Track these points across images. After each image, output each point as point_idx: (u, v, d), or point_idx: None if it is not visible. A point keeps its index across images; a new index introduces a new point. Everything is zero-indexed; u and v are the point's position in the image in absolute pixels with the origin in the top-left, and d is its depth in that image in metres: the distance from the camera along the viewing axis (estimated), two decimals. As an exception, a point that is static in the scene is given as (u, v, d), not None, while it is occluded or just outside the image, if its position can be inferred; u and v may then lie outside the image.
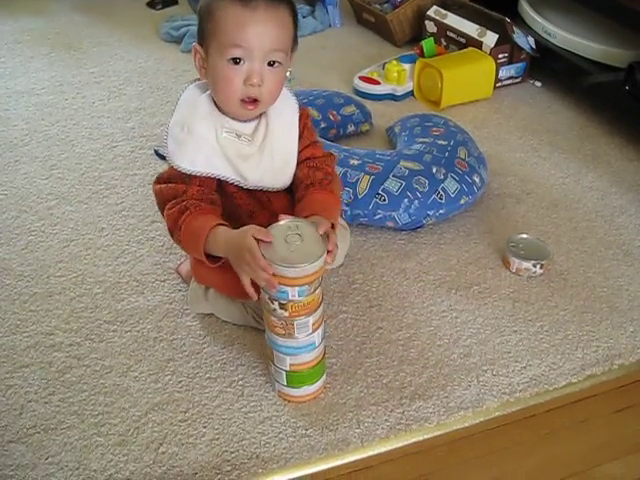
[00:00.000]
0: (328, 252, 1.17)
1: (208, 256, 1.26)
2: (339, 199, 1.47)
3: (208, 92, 1.31)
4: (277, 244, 1.15)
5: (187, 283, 1.53)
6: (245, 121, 1.31)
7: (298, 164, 1.36)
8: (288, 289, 1.15)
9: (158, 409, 1.30)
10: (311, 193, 1.33)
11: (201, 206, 1.27)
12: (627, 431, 1.34)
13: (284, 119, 1.35)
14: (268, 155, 1.32)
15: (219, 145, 1.29)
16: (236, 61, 1.21)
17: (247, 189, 1.33)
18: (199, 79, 1.33)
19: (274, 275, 1.13)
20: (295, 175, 1.36)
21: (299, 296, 1.17)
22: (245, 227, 1.18)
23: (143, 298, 1.53)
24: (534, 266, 1.59)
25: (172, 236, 1.30)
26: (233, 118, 1.30)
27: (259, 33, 1.20)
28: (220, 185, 1.33)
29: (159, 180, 1.33)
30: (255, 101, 1.26)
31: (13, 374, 1.36)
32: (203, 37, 1.25)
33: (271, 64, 1.24)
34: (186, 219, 1.25)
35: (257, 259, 1.13)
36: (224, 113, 1.30)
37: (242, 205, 1.33)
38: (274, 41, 1.22)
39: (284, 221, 1.19)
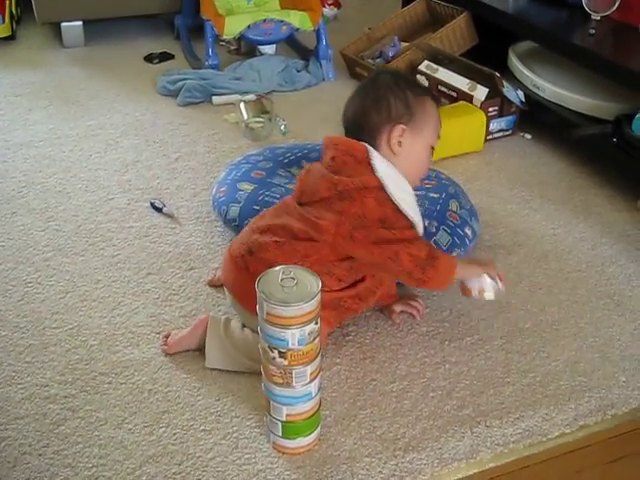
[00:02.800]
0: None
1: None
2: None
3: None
4: (273, 288, 1.19)
5: (182, 350, 1.52)
6: None
7: None
8: (288, 337, 1.18)
9: (152, 461, 1.30)
10: None
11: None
12: (621, 482, 1.35)
13: None
14: None
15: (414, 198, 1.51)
16: (432, 148, 1.53)
17: None
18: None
19: (273, 316, 1.17)
20: None
21: (299, 344, 1.19)
22: None
23: (138, 350, 1.53)
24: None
25: (423, 268, 1.45)
26: None
27: None
28: None
29: (386, 223, 1.45)
30: None
31: (7, 426, 1.36)
32: (410, 119, 1.48)
33: None
34: (441, 254, 1.49)
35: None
36: None
37: None
38: None
39: (278, 267, 1.23)
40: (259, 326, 1.22)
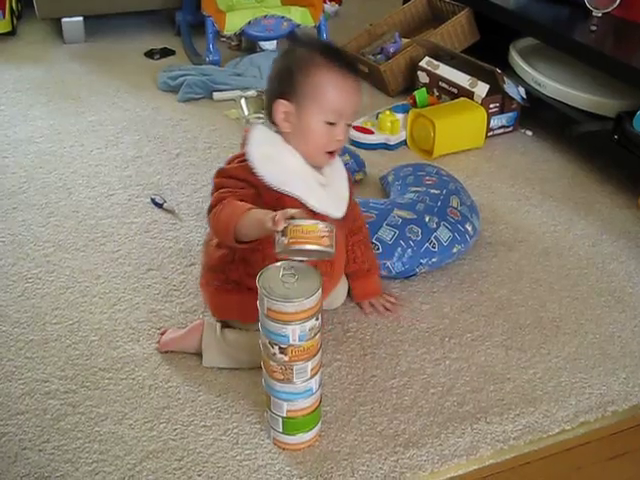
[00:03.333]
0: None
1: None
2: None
3: (276, 132, 1.44)
4: (274, 283, 1.19)
5: (176, 350, 1.51)
6: None
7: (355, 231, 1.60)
8: (289, 332, 1.18)
9: (153, 457, 1.30)
10: (367, 279, 1.64)
11: (246, 201, 1.34)
12: (622, 478, 1.35)
13: (338, 162, 1.52)
14: (333, 187, 1.47)
15: (304, 172, 1.42)
16: (331, 123, 1.39)
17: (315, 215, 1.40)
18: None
19: (273, 311, 1.17)
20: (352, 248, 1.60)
21: (299, 340, 1.19)
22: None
23: (139, 346, 1.53)
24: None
25: (209, 213, 1.39)
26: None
27: (352, 101, 1.42)
28: None
29: (224, 173, 1.41)
30: (333, 153, 1.45)
31: (8, 421, 1.36)
32: (294, 95, 1.39)
33: (348, 125, 1.44)
34: (229, 200, 1.35)
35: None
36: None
37: None
38: (357, 107, 1.44)
39: (278, 263, 1.23)
40: (260, 322, 1.22)
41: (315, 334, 1.21)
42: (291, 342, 1.19)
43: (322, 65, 1.39)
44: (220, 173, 1.42)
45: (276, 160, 1.40)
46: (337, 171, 1.50)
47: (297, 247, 1.16)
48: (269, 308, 1.18)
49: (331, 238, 1.18)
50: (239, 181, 1.38)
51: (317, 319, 1.20)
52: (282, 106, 1.40)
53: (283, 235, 1.17)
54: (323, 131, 1.40)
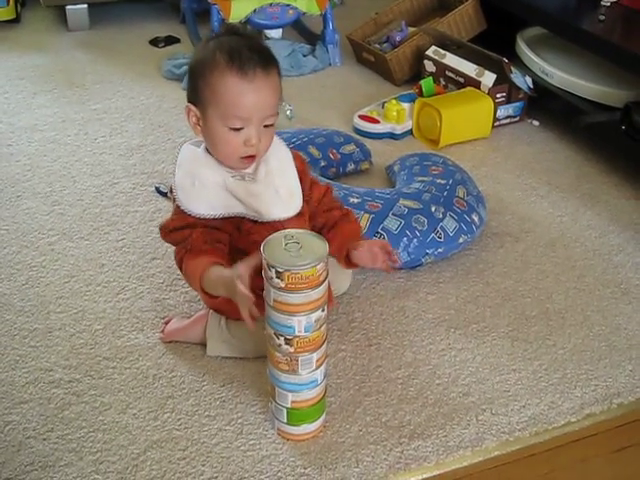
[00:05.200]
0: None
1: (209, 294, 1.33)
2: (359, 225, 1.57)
3: (203, 146, 1.38)
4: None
5: (179, 341, 1.51)
6: None
7: (314, 213, 1.47)
8: (295, 324, 1.18)
9: (157, 447, 1.30)
10: (339, 231, 1.45)
11: (199, 248, 1.32)
12: (627, 471, 1.34)
13: (279, 156, 1.41)
14: (273, 189, 1.37)
15: (229, 189, 1.34)
16: (236, 129, 1.30)
17: (262, 222, 1.36)
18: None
19: (279, 303, 1.16)
20: (316, 224, 1.46)
21: (305, 332, 1.19)
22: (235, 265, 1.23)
23: (143, 335, 1.53)
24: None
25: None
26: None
27: (258, 103, 1.29)
28: (237, 225, 1.37)
29: (165, 230, 1.38)
30: (252, 156, 1.34)
31: (12, 410, 1.36)
32: (198, 100, 1.32)
33: (266, 126, 1.32)
34: (185, 261, 1.33)
35: (239, 289, 1.17)
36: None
37: (259, 240, 1.28)
38: (270, 107, 1.32)
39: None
40: (265, 312, 1.22)
41: (321, 325, 1.21)
42: (297, 333, 1.19)
43: (220, 66, 1.27)
44: (163, 230, 1.39)
45: (199, 188, 1.34)
46: (276, 167, 1.39)
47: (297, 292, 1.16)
48: (275, 299, 1.17)
49: (327, 270, 1.18)
50: (183, 229, 1.34)
51: (323, 310, 1.20)
52: (191, 111, 1.34)
53: (278, 278, 1.15)
54: (229, 138, 1.30)
